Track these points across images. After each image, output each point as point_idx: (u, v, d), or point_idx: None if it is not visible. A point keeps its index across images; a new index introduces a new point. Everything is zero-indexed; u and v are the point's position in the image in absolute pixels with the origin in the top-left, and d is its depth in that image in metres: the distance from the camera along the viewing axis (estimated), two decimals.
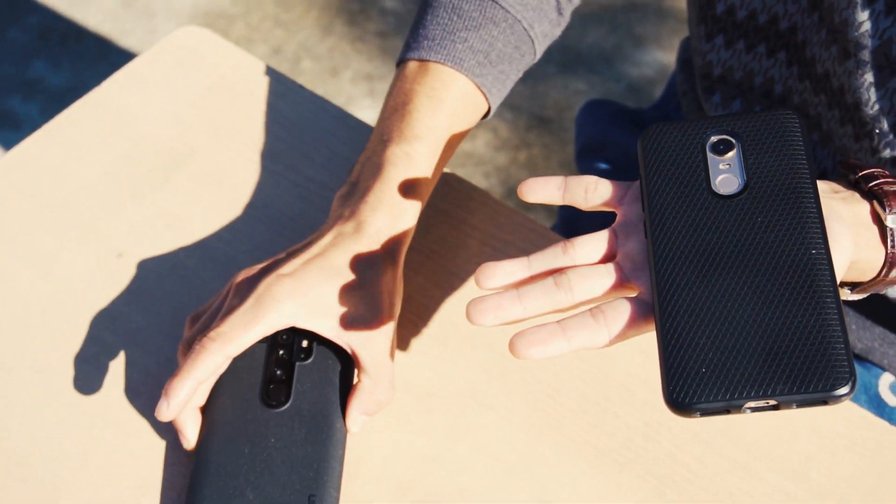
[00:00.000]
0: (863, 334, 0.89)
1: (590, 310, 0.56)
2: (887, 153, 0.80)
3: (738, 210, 0.58)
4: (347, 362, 0.73)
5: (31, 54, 2.15)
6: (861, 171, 0.65)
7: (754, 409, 0.52)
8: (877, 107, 0.77)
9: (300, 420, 0.70)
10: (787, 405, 0.51)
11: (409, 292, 0.80)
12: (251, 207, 0.85)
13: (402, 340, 0.78)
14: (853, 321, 0.89)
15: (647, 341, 0.78)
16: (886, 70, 0.75)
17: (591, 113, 1.04)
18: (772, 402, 0.51)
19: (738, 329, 0.54)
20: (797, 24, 0.80)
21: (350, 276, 0.69)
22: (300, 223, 0.84)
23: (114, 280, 0.80)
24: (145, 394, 0.75)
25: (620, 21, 2.30)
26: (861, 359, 0.90)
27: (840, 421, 0.74)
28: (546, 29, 0.83)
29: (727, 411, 0.52)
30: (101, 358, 0.76)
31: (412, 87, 0.76)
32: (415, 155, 0.73)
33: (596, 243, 0.59)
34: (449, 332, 0.78)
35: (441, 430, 0.74)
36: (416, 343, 0.78)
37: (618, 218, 0.62)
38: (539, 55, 0.83)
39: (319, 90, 2.13)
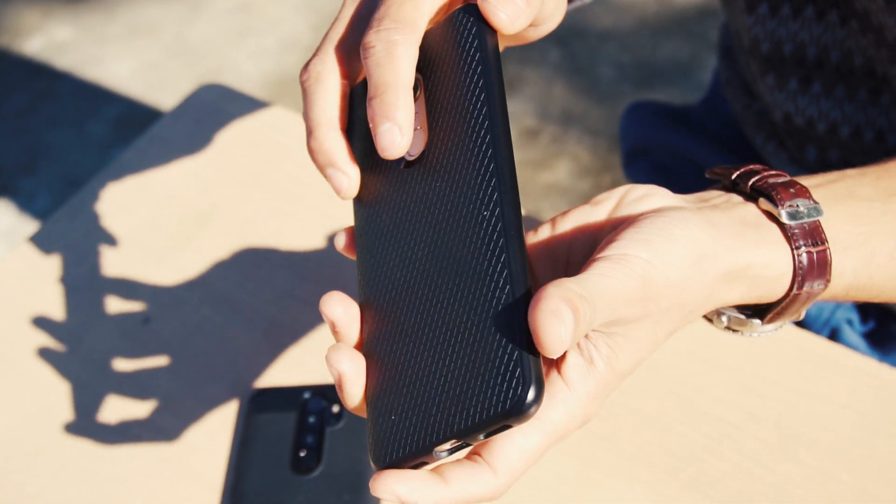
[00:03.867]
0: None
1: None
2: None
3: (419, 183, 0.47)
4: None
5: (110, 144, 2.19)
6: (735, 172, 0.53)
7: (451, 451, 0.43)
8: None
9: (332, 484, 0.67)
10: (475, 439, 0.42)
11: None
12: (276, 256, 0.82)
13: None
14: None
15: (704, 348, 0.72)
16: None
17: (634, 115, 0.98)
18: (458, 442, 0.42)
19: (417, 363, 0.44)
20: None
21: None
22: (326, 265, 0.80)
23: (141, 347, 0.78)
24: (176, 460, 0.71)
25: (694, 30, 2.22)
26: None
27: None
28: None
29: (424, 462, 0.43)
30: (133, 428, 0.74)
31: None
32: None
33: None
34: None
35: None
36: None
37: None
38: None
39: None
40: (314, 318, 0.77)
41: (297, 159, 0.88)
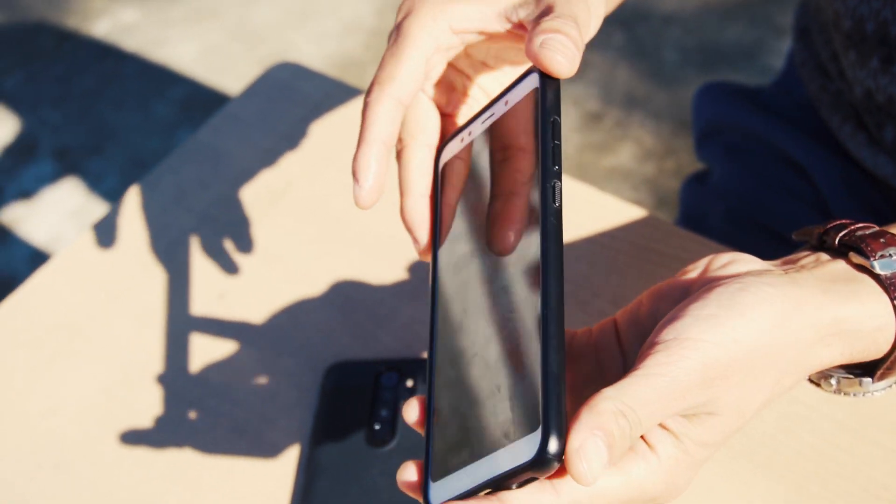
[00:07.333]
0: None
1: None
2: None
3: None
4: None
5: (176, 126, 2.22)
6: (821, 229, 0.53)
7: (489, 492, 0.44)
8: None
9: (406, 457, 0.67)
10: (507, 486, 0.43)
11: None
12: (349, 233, 0.82)
13: None
14: None
15: None
16: None
17: (707, 96, 0.97)
18: (490, 490, 0.44)
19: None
20: None
21: None
22: (397, 243, 0.81)
23: (216, 321, 0.79)
24: (252, 432, 0.73)
25: (759, 14, 2.20)
26: None
27: None
28: None
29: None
30: (206, 400, 0.75)
31: None
32: None
33: None
34: None
35: None
36: None
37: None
38: None
39: None
40: (387, 296, 0.78)
41: None
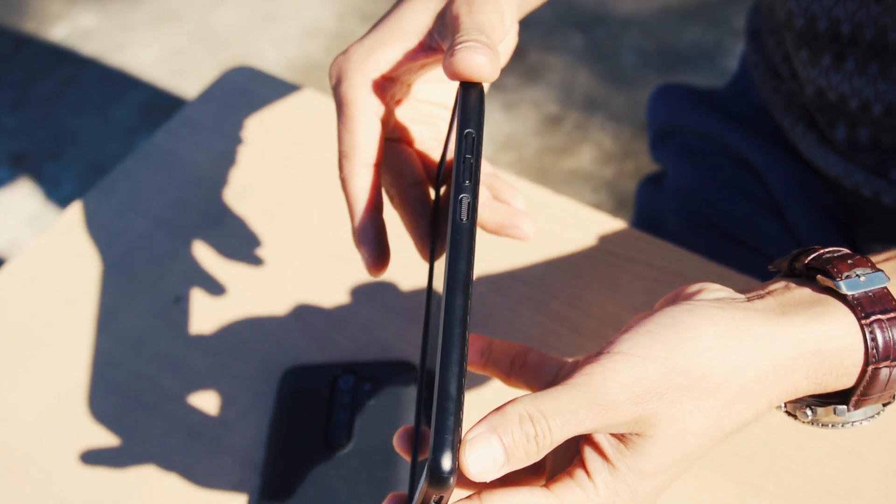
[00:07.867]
0: None
1: None
2: None
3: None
4: (408, 401, 0.70)
5: (135, 130, 2.20)
6: (793, 255, 0.52)
7: None
8: None
9: (363, 460, 0.68)
10: None
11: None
12: (305, 236, 0.82)
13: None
14: None
15: None
16: None
17: (662, 98, 0.98)
18: None
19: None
20: None
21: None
22: (353, 246, 0.80)
23: (172, 325, 0.78)
24: (209, 436, 0.72)
25: (718, 16, 2.22)
26: None
27: None
28: None
29: None
30: (163, 404, 0.74)
31: None
32: None
33: None
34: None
35: None
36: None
37: None
38: None
39: None
40: (344, 297, 0.78)
41: (326, 140, 0.89)
